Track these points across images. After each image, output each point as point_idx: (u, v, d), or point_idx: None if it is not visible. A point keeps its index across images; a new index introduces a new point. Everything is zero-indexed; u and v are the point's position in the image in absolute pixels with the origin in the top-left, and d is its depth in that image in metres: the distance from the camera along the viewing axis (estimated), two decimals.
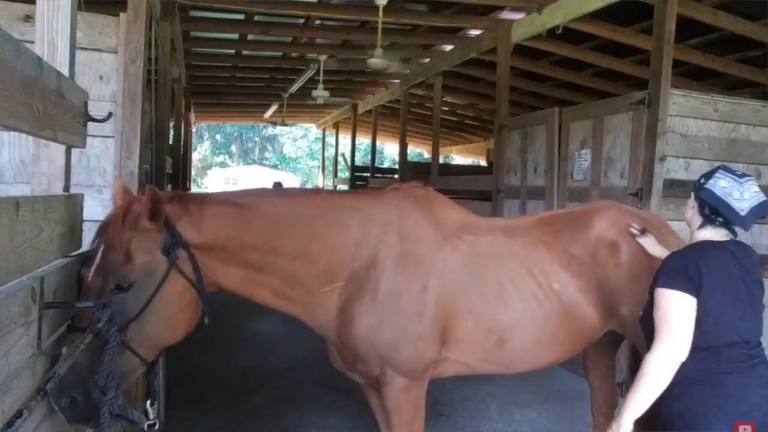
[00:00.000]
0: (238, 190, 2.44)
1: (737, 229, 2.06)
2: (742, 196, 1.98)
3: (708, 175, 2.07)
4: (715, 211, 2.02)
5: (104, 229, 1.93)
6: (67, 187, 2.07)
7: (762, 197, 2.01)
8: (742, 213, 1.98)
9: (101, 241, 1.89)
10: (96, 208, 2.72)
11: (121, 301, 1.82)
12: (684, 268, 1.96)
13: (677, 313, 1.93)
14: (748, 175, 2.07)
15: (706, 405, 1.91)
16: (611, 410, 2.99)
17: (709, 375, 1.93)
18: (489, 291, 2.42)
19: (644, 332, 2.13)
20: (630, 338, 2.69)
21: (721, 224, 2.05)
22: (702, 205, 2.06)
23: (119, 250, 1.86)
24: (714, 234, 2.07)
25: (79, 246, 1.97)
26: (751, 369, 1.94)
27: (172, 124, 7.96)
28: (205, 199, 2.19)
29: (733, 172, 2.05)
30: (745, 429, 1.85)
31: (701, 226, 2.09)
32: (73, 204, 1.94)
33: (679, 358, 1.91)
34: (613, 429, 1.95)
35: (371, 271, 2.30)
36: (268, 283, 2.25)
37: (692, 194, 2.14)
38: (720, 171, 2.06)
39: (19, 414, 1.16)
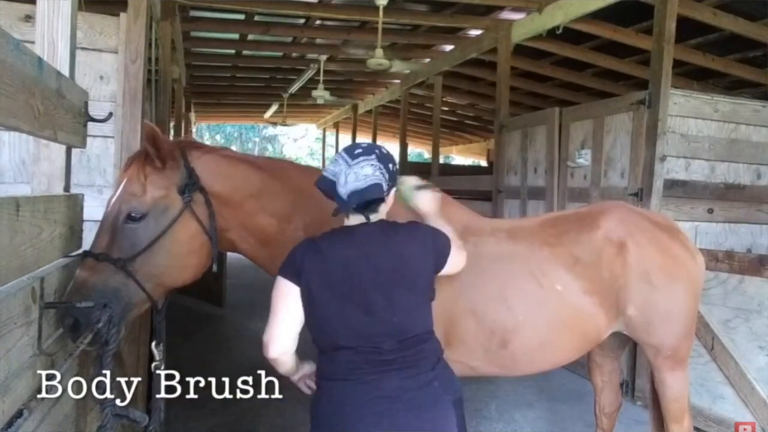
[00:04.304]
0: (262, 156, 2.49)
1: None
2: (347, 180, 1.77)
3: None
4: (330, 197, 1.82)
5: (129, 163, 2.04)
6: (67, 187, 2.08)
7: (370, 181, 1.77)
8: (345, 197, 1.77)
9: (125, 174, 2.01)
10: (96, 208, 2.70)
11: (132, 232, 1.92)
12: (293, 253, 1.81)
13: (276, 300, 1.79)
14: (366, 155, 1.81)
15: (321, 413, 1.78)
16: (615, 410, 3.00)
17: (324, 380, 1.80)
18: (491, 292, 2.39)
19: None
20: (636, 338, 2.68)
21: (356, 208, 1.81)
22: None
23: (136, 182, 1.97)
24: (353, 219, 1.86)
25: (80, 246, 1.98)
26: (368, 377, 1.73)
27: (172, 124, 7.97)
28: (231, 153, 2.27)
29: (351, 151, 1.82)
30: (744, 429, 1.83)
31: (335, 214, 1.85)
32: (73, 204, 1.94)
33: (272, 352, 1.81)
34: None
35: None
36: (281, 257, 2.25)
37: None
38: (338, 153, 1.86)
39: (19, 414, 1.16)
